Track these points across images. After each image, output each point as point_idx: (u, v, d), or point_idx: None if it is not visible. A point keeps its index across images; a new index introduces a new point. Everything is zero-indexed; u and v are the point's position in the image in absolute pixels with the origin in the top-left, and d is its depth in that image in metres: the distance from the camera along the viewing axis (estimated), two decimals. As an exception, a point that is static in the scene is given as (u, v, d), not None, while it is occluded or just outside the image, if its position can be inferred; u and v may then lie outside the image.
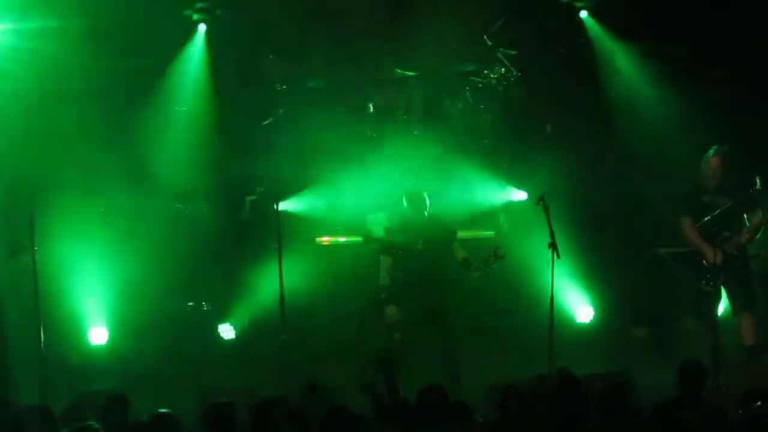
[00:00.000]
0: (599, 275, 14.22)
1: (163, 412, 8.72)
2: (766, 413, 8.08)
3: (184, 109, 14.72)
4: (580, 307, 14.11)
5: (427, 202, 12.60)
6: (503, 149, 14.80)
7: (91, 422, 8.79)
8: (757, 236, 12.19)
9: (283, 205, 12.73)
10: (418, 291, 12.43)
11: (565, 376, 9.12)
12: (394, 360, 9.63)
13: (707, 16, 14.50)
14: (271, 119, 15.03)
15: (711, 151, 12.35)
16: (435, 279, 12.50)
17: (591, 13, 14.76)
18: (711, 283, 12.18)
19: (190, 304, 14.42)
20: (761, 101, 14.24)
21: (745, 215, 12.30)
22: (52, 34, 13.86)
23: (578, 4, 14.77)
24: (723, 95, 14.41)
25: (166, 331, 13.91)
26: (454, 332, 12.56)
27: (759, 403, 8.43)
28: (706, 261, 12.18)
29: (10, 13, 13.60)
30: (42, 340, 11.79)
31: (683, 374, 9.37)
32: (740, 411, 8.74)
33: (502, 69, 14.93)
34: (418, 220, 12.53)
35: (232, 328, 14.13)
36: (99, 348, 13.87)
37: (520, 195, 14.59)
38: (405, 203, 12.64)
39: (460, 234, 14.01)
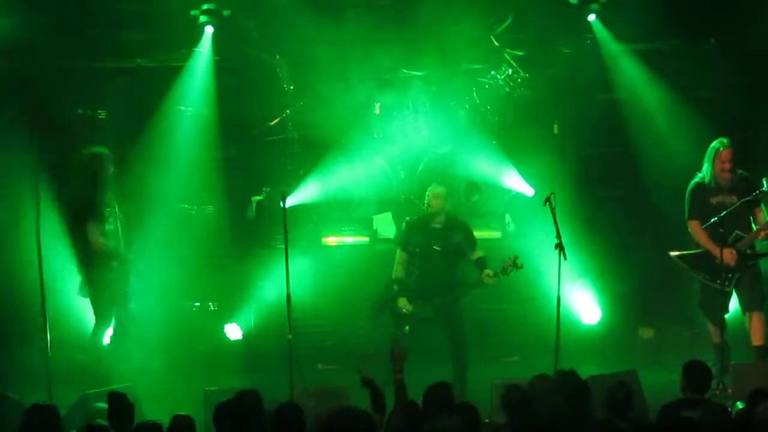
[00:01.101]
0: (606, 276, 14.21)
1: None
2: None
3: (191, 109, 14.74)
4: (586, 308, 14.09)
5: (445, 191, 12.57)
6: (510, 150, 14.77)
7: (99, 420, 8.80)
8: None
9: (289, 205, 12.72)
10: (432, 290, 12.43)
11: (571, 377, 9.11)
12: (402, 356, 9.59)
13: (709, 20, 14.55)
14: (278, 119, 15.03)
15: (718, 145, 12.23)
16: (450, 281, 12.49)
17: (599, 17, 14.74)
18: (726, 283, 12.12)
19: (197, 304, 14.44)
20: (762, 103, 14.27)
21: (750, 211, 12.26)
22: (54, 31, 13.93)
23: (587, 9, 14.73)
24: (726, 97, 14.44)
25: (172, 331, 13.91)
26: (466, 337, 12.54)
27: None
28: (719, 261, 12.08)
29: (16, 8, 13.66)
30: (48, 339, 11.80)
31: (687, 375, 9.36)
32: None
33: (509, 70, 14.92)
34: (439, 222, 12.49)
35: (238, 328, 14.14)
36: (105, 347, 13.88)
37: (527, 190, 14.55)
38: (427, 200, 12.57)
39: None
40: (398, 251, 12.63)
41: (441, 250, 12.44)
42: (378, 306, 12.60)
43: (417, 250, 12.51)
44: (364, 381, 9.08)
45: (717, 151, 12.21)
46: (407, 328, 12.42)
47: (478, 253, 12.51)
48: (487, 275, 12.25)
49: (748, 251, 12.18)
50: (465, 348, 12.49)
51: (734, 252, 12.06)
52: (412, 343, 12.09)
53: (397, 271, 12.56)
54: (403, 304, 12.41)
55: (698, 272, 12.35)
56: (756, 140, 13.71)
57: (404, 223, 13.05)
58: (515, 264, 12.21)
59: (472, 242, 12.59)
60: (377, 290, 12.73)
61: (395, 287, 12.49)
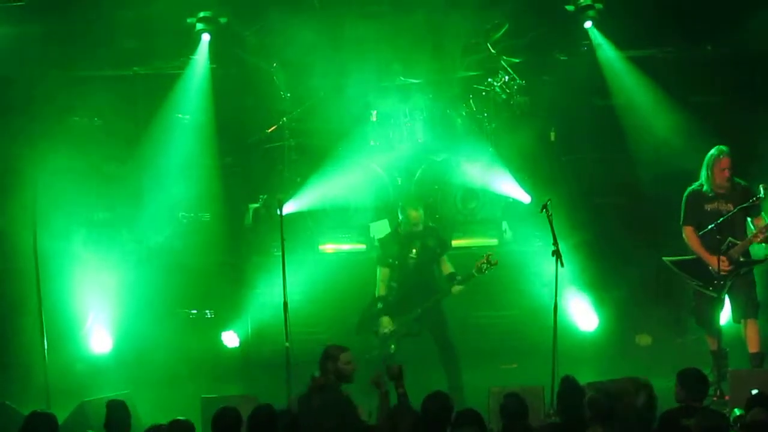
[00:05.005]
0: (603, 283, 14.21)
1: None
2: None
3: (188, 117, 14.74)
4: (584, 315, 14.09)
5: (422, 213, 12.62)
6: (507, 157, 14.78)
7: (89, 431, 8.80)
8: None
9: (286, 212, 12.72)
10: (412, 300, 12.46)
11: (569, 384, 9.10)
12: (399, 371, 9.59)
13: (705, 26, 14.58)
14: (274, 127, 15.03)
15: (716, 152, 12.22)
16: (430, 289, 12.52)
17: (595, 24, 14.76)
18: (718, 290, 12.14)
19: (194, 311, 14.42)
20: (760, 108, 14.29)
21: (748, 219, 12.25)
22: (51, 39, 13.94)
23: (583, 16, 14.74)
24: (722, 103, 14.47)
25: (169, 339, 13.91)
26: (453, 342, 12.54)
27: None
28: (713, 268, 12.11)
29: (12, 17, 13.69)
30: (46, 347, 11.81)
31: (682, 383, 9.35)
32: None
33: (506, 77, 14.93)
34: (413, 231, 12.55)
35: (235, 335, 14.13)
36: (103, 355, 13.89)
37: (524, 197, 14.54)
38: (400, 214, 12.66)
39: (463, 242, 14.03)
40: (378, 269, 12.67)
41: (417, 258, 12.49)
42: (360, 325, 12.63)
43: (396, 262, 12.55)
44: (377, 381, 9.13)
45: (716, 158, 12.20)
46: (393, 347, 12.44)
47: (448, 267, 12.56)
48: (456, 282, 12.32)
49: (741, 258, 12.18)
50: (454, 351, 12.52)
51: (727, 259, 12.06)
52: (401, 358, 12.08)
53: (380, 289, 12.59)
54: (386, 323, 12.44)
55: (691, 278, 12.36)
56: (753, 146, 13.72)
57: (378, 240, 13.08)
58: (489, 261, 12.26)
59: (445, 246, 12.67)
60: (361, 307, 12.76)
61: (379, 305, 12.53)
